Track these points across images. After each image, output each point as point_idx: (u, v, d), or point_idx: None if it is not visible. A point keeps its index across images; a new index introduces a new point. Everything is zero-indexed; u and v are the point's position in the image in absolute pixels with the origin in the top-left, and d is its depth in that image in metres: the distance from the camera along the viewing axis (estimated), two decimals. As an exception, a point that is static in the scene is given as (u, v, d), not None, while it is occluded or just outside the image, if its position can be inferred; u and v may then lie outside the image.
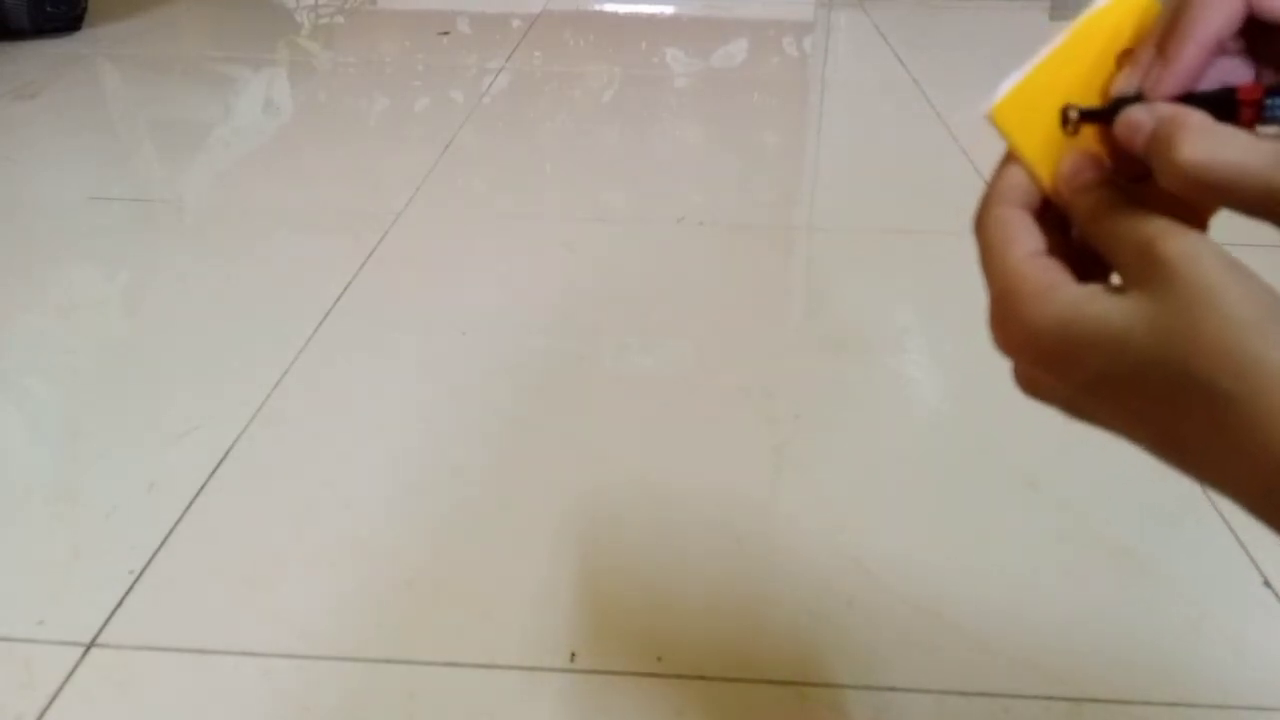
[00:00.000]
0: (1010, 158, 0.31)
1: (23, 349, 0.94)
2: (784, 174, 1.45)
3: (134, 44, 2.00)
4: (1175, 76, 0.28)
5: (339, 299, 1.01)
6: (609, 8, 2.46)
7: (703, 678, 0.59)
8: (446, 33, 2.15)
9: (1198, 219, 0.30)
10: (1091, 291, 0.27)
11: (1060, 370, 0.27)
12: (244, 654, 0.60)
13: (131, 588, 0.65)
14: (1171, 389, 0.25)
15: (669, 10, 2.44)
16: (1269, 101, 0.27)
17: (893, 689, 0.58)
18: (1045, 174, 0.31)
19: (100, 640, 0.61)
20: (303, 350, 0.92)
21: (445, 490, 0.74)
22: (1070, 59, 0.31)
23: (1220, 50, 0.28)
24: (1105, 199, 0.29)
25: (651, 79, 1.89)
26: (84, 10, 2.03)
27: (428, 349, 0.93)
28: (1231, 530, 0.70)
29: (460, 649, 0.60)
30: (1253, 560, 0.68)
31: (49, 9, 1.93)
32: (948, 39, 2.20)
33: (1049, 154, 0.31)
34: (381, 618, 0.63)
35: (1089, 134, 0.31)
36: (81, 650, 0.60)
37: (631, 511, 0.72)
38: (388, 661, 0.59)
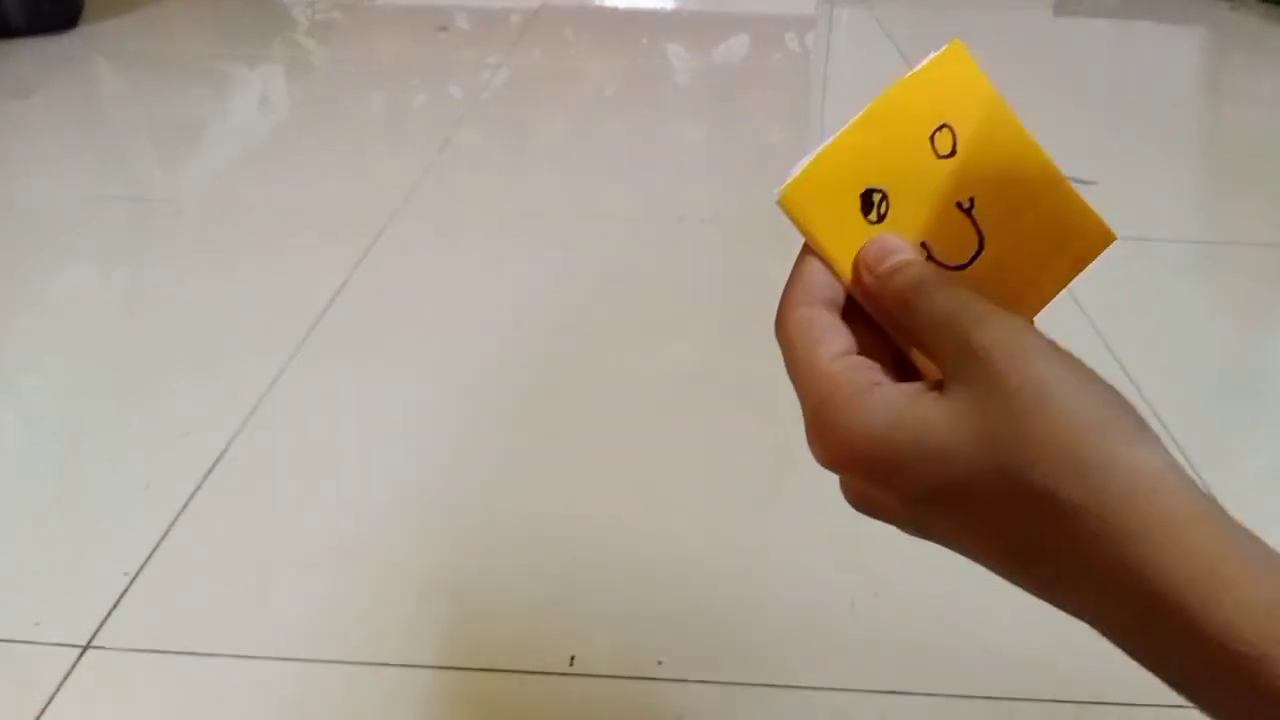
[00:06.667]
0: (807, 250, 0.28)
1: (18, 349, 0.93)
2: (786, 172, 1.44)
3: (130, 41, 1.99)
4: None
5: (335, 298, 1.00)
6: (609, 3, 2.45)
7: (704, 681, 0.58)
8: (445, 28, 2.14)
9: (1026, 304, 0.28)
10: (911, 392, 0.24)
11: (887, 484, 0.24)
12: (240, 656, 0.59)
13: (127, 589, 0.64)
14: (1011, 501, 0.22)
15: (669, 5, 2.43)
16: None
17: (895, 692, 0.58)
18: (844, 264, 0.27)
19: (96, 642, 0.60)
20: (298, 350, 0.91)
21: (441, 491, 0.74)
22: (871, 136, 0.27)
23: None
24: (918, 283, 0.26)
25: (652, 75, 1.88)
26: (80, 8, 2.03)
27: (424, 349, 0.93)
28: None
29: (458, 652, 0.60)
30: (1258, 561, 0.67)
31: (45, 7, 1.92)
32: (952, 35, 2.19)
33: (849, 243, 0.27)
34: (378, 621, 0.62)
35: (897, 220, 0.28)
36: (78, 652, 0.59)
37: (631, 512, 0.72)
38: (385, 665, 0.59)
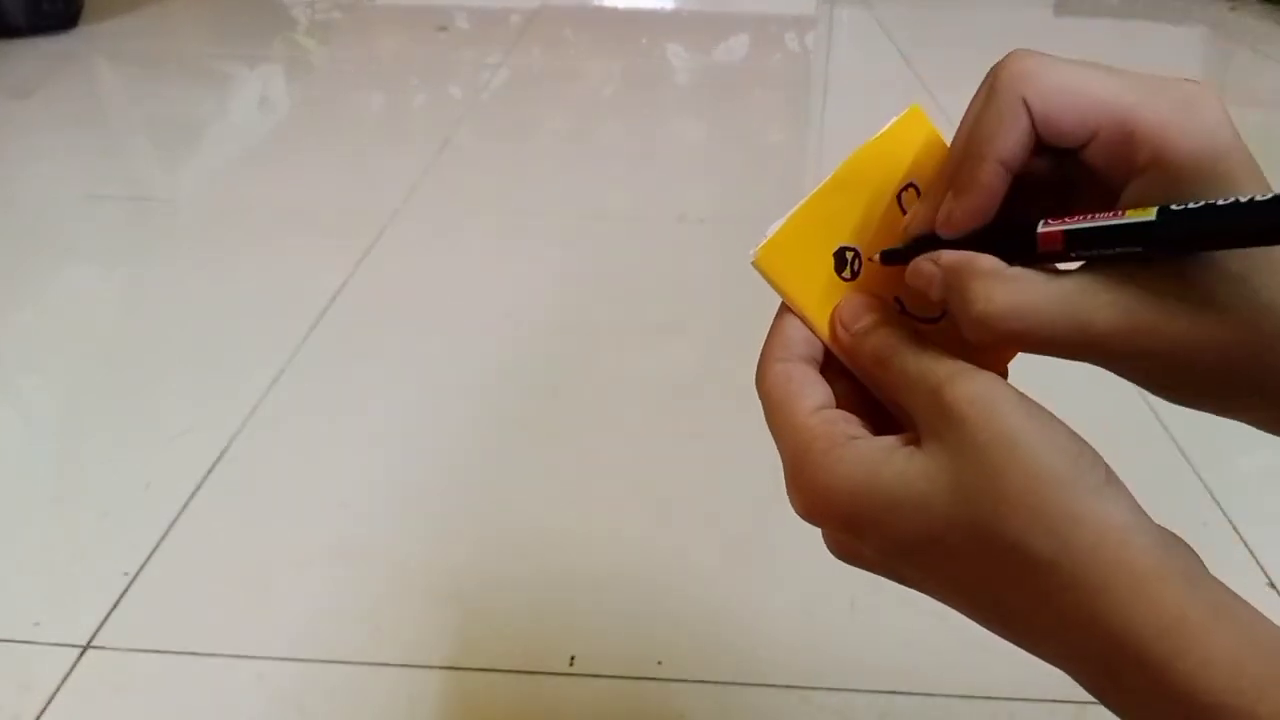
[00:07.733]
0: (785, 307, 0.29)
1: (17, 349, 0.93)
2: (786, 171, 1.44)
3: (130, 41, 1.99)
4: (969, 207, 0.26)
5: (335, 298, 1.00)
6: (609, 3, 2.45)
7: (704, 681, 0.58)
8: (444, 28, 2.14)
9: (997, 360, 0.28)
10: (887, 446, 0.25)
11: (865, 535, 0.25)
12: (239, 656, 0.59)
13: (127, 589, 0.64)
14: (986, 554, 0.23)
15: (669, 5, 2.43)
16: (1070, 244, 0.24)
17: (895, 692, 0.58)
18: (821, 321, 0.28)
19: (96, 642, 0.60)
20: (298, 350, 0.91)
21: (442, 492, 0.74)
22: (841, 198, 0.28)
23: (1011, 178, 0.26)
24: (891, 341, 0.26)
25: (652, 75, 1.88)
26: (80, 7, 2.03)
27: (424, 349, 0.93)
28: (1237, 532, 0.69)
29: (458, 652, 0.60)
30: (1258, 563, 0.67)
31: (45, 6, 1.92)
32: (952, 35, 2.20)
33: (825, 300, 0.28)
34: (378, 621, 0.62)
35: (870, 277, 0.28)
36: (78, 652, 0.59)
37: (631, 512, 0.72)
38: (384, 665, 0.59)
